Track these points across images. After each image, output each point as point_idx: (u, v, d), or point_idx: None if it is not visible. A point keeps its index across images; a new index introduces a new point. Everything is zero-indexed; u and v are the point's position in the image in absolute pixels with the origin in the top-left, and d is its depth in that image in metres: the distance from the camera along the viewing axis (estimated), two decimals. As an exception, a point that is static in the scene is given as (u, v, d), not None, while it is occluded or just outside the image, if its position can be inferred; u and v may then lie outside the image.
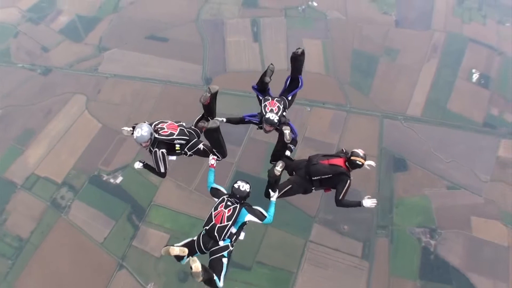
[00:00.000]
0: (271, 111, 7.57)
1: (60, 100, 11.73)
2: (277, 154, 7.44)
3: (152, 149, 6.80)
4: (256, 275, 8.82)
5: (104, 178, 10.18)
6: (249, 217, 6.41)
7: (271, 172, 6.56)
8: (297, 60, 7.88)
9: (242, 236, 6.58)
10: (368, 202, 6.59)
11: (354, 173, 9.55)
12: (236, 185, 6.43)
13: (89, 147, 10.77)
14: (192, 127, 7.38)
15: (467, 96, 11.16)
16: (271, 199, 6.69)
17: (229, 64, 11.84)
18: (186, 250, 6.08)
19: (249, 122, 7.99)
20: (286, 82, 8.01)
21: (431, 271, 8.85)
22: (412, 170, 9.91)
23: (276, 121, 7.28)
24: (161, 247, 8.98)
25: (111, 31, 13.26)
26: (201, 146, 7.28)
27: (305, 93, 10.66)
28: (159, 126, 6.83)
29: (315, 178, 6.79)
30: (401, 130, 10.42)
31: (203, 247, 6.30)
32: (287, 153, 7.32)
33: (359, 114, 10.68)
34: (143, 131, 6.44)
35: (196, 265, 5.61)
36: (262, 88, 8.07)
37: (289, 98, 8.06)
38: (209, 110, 7.45)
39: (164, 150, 6.74)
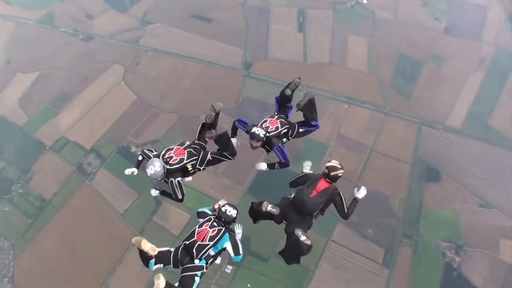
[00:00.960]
0: (266, 128, 7.36)
1: (98, 68, 11.78)
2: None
3: (167, 179, 6.95)
4: (273, 267, 8.64)
5: (133, 150, 10.18)
6: (228, 245, 6.41)
7: (259, 206, 6.62)
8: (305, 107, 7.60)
9: (218, 260, 6.62)
10: (362, 193, 6.94)
11: (385, 176, 9.48)
12: (223, 209, 6.47)
13: (121, 118, 10.77)
14: (196, 141, 7.52)
15: (510, 115, 10.73)
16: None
17: (271, 51, 11.66)
18: (156, 250, 6.06)
19: (237, 127, 7.86)
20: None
21: (452, 288, 8.56)
22: (444, 182, 9.56)
23: (261, 136, 7.04)
24: (181, 225, 9.07)
25: (156, 5, 13.24)
26: (209, 156, 7.34)
27: (345, 90, 10.53)
28: (167, 156, 7.00)
29: (315, 212, 6.75)
30: (439, 140, 10.07)
31: (179, 261, 6.29)
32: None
33: (397, 118, 10.36)
34: (156, 167, 6.65)
35: (159, 282, 5.73)
36: (282, 102, 7.87)
37: (301, 130, 7.82)
38: (213, 125, 7.52)
39: (179, 178, 6.97)
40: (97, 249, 9.12)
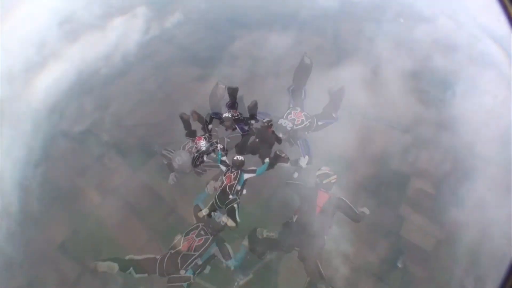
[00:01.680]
0: (292, 120, 7.34)
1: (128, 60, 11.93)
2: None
3: (198, 165, 7.28)
4: (283, 280, 8.42)
5: (155, 149, 10.03)
6: (215, 250, 6.26)
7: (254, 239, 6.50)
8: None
9: (207, 270, 6.41)
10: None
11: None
12: (212, 214, 6.36)
13: (148, 115, 10.83)
14: (207, 135, 7.63)
15: (544, 148, 10.35)
16: (243, 242, 6.59)
17: (305, 59, 11.31)
18: (116, 269, 5.87)
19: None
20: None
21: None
22: (466, 210, 9.23)
23: (288, 128, 7.03)
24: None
25: (195, 5, 13.38)
26: (227, 139, 7.65)
27: (376, 107, 10.35)
28: (191, 144, 7.35)
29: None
30: (467, 167, 9.71)
31: (165, 271, 6.07)
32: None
33: (426, 142, 10.14)
34: (182, 157, 6.90)
35: None
36: (300, 76, 7.88)
37: (320, 123, 7.80)
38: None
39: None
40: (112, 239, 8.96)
